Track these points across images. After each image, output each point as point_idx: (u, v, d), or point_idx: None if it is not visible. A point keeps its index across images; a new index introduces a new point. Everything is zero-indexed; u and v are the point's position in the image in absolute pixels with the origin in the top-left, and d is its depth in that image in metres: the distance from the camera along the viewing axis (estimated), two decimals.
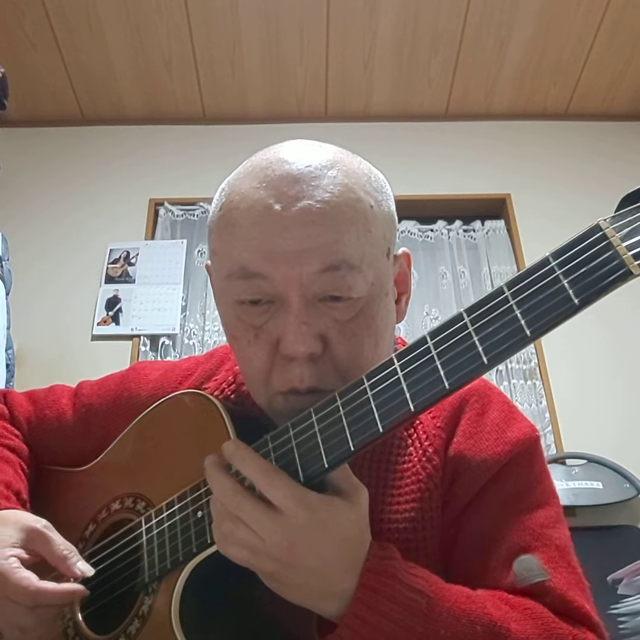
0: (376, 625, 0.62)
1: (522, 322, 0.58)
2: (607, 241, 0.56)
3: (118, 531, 0.82)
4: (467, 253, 2.97)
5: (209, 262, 0.81)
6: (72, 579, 0.79)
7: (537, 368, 2.67)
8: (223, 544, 0.65)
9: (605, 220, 0.58)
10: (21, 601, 0.73)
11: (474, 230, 3.03)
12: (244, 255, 0.71)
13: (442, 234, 3.01)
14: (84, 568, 0.78)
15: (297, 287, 0.70)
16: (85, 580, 0.80)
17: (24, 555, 0.76)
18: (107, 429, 0.93)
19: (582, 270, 0.57)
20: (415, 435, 0.80)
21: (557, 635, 0.67)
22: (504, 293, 0.60)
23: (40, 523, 0.79)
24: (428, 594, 0.64)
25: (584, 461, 2.42)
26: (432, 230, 3.02)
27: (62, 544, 0.78)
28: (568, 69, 3.05)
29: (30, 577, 0.74)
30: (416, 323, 2.76)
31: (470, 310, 0.62)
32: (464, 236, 3.01)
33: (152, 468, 0.83)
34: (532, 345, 2.69)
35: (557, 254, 0.59)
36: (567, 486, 2.33)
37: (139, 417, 0.87)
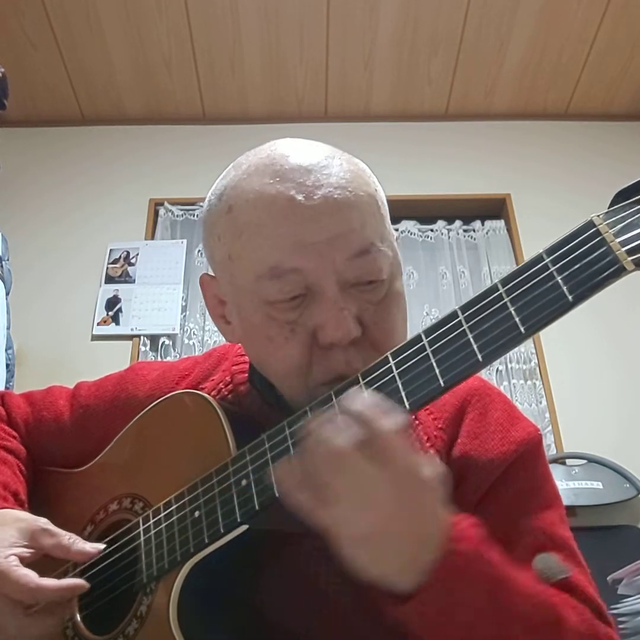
0: (457, 597, 0.59)
1: (517, 319, 0.58)
2: (600, 237, 0.56)
3: (116, 532, 0.81)
4: (467, 253, 2.97)
5: (210, 273, 0.80)
6: (81, 568, 0.79)
7: (537, 368, 2.67)
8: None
9: (598, 216, 0.58)
10: (21, 598, 0.73)
11: (474, 230, 3.03)
12: (274, 253, 0.70)
13: (442, 234, 3.01)
14: (94, 547, 0.78)
15: (332, 275, 0.70)
16: (85, 579, 0.80)
17: (24, 554, 0.76)
18: (105, 430, 0.92)
19: (576, 266, 0.57)
20: (415, 436, 0.80)
21: (594, 632, 0.67)
22: (498, 290, 0.60)
23: (40, 520, 0.79)
24: (504, 571, 0.63)
25: (584, 461, 2.42)
26: (432, 230, 3.02)
27: (65, 534, 0.78)
28: (568, 69, 3.05)
29: (29, 574, 0.73)
30: (416, 323, 2.76)
31: (464, 308, 0.62)
32: (464, 236, 3.01)
33: (149, 468, 0.83)
34: (531, 345, 2.69)
35: (551, 251, 0.59)
36: (567, 486, 2.33)
37: (136, 418, 0.87)
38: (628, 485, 2.35)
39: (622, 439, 2.49)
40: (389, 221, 0.77)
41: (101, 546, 0.78)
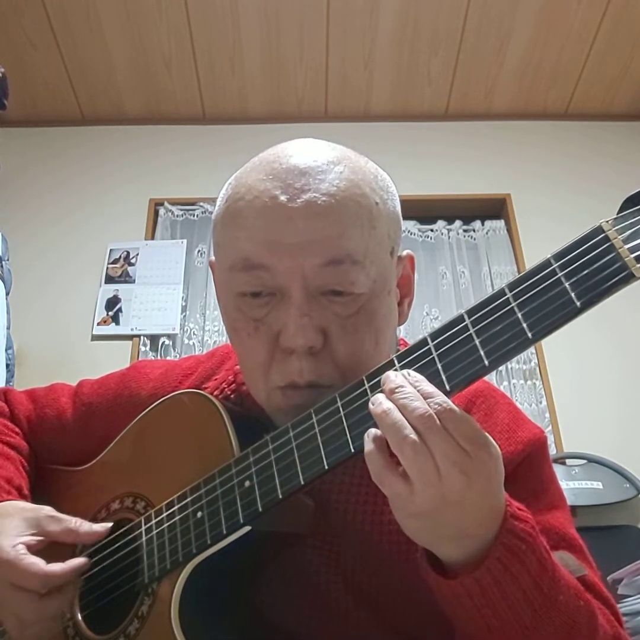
0: (514, 574, 0.60)
1: (524, 324, 0.58)
2: (609, 243, 0.56)
3: (118, 531, 0.81)
4: (467, 253, 2.97)
5: (213, 258, 0.81)
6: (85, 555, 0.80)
7: (537, 368, 2.67)
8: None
9: (607, 222, 0.57)
10: (32, 587, 0.74)
11: (474, 230, 3.03)
12: (248, 246, 0.71)
13: (442, 234, 3.01)
14: (100, 528, 0.79)
15: (299, 279, 0.70)
16: (86, 578, 0.80)
17: (31, 542, 0.77)
18: (107, 428, 0.92)
19: (584, 272, 0.56)
20: None
21: (617, 634, 0.69)
22: (506, 295, 0.60)
23: (44, 509, 0.80)
24: (552, 557, 0.64)
25: (584, 461, 2.42)
26: (432, 230, 3.02)
27: (71, 519, 0.79)
28: (568, 69, 3.05)
29: (37, 562, 0.74)
30: (416, 323, 2.76)
31: (471, 312, 0.61)
32: (464, 236, 3.02)
33: (151, 468, 0.83)
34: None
35: (559, 256, 0.58)
36: (567, 486, 2.33)
37: (139, 417, 0.87)
38: (628, 485, 2.35)
39: (622, 439, 2.49)
40: (388, 238, 0.75)
41: (108, 525, 0.79)
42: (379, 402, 0.59)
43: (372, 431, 0.60)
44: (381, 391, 0.60)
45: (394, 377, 0.60)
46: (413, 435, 0.56)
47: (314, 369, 0.70)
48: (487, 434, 0.59)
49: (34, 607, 0.74)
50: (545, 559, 0.62)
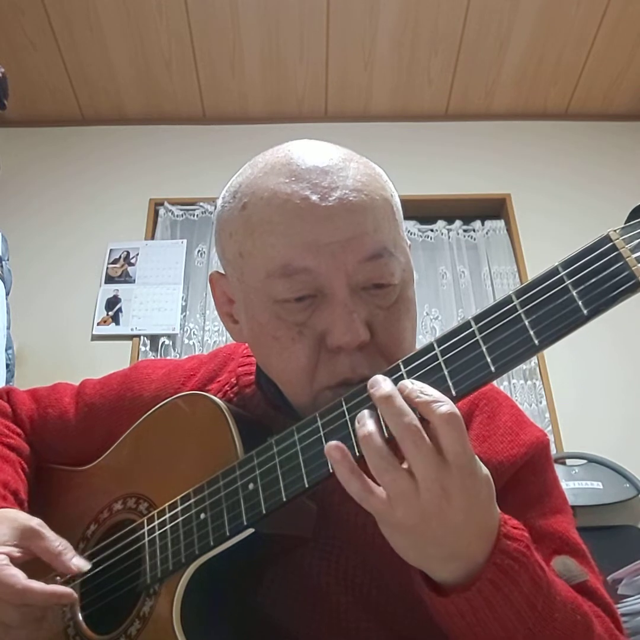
0: (507, 595, 0.60)
1: (531, 331, 0.58)
2: (616, 252, 0.56)
3: (120, 531, 0.81)
4: (467, 253, 2.97)
5: (218, 271, 0.80)
6: (68, 576, 0.78)
7: (537, 368, 2.67)
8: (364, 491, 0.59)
9: (615, 231, 0.57)
10: (7, 599, 0.72)
11: (474, 230, 3.03)
12: (286, 251, 0.69)
13: (442, 234, 3.01)
14: (80, 563, 0.76)
15: (343, 277, 0.69)
16: (87, 579, 0.80)
17: (15, 553, 0.76)
18: (110, 429, 0.92)
19: (592, 280, 0.56)
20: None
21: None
22: (513, 302, 0.60)
23: (33, 521, 0.79)
24: (548, 575, 0.63)
25: (584, 461, 2.43)
26: (432, 230, 3.02)
27: (56, 540, 0.77)
28: (568, 69, 3.05)
29: (17, 575, 0.72)
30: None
31: (478, 318, 0.61)
32: (464, 236, 3.02)
33: (155, 469, 0.83)
34: None
35: (566, 264, 0.58)
36: (567, 486, 2.33)
37: (142, 418, 0.87)
38: (628, 485, 2.36)
39: (622, 439, 2.50)
40: (403, 228, 0.77)
41: (87, 566, 0.77)
42: (363, 423, 0.59)
43: (341, 455, 0.60)
44: (369, 406, 0.60)
45: (383, 385, 0.59)
46: (391, 469, 0.56)
47: (365, 362, 0.70)
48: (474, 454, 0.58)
49: (15, 614, 0.73)
50: (539, 577, 0.61)
